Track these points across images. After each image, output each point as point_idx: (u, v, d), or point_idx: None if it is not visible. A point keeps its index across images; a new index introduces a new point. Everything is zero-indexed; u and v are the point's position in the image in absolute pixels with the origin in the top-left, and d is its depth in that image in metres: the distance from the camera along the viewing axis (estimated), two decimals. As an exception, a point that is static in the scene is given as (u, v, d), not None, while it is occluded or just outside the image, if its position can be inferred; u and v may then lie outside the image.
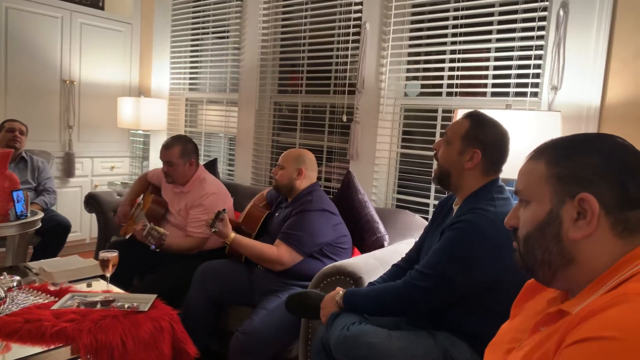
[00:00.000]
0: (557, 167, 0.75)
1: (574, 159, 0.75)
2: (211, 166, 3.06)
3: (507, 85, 2.28)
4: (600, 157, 0.73)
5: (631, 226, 0.71)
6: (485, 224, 1.35)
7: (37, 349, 1.41)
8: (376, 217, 2.29)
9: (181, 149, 2.49)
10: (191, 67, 3.92)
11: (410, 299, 1.41)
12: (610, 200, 0.71)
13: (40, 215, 2.63)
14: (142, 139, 4.22)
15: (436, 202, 2.53)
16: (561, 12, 2.03)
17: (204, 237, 2.40)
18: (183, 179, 2.53)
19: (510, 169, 1.68)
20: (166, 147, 2.50)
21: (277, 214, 2.29)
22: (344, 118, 2.86)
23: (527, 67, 2.20)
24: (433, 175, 1.57)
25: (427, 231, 1.67)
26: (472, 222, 1.37)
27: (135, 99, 3.77)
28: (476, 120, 1.48)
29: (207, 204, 2.44)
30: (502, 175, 1.51)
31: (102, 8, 4.10)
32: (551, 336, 0.71)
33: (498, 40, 2.30)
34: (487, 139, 1.45)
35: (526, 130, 1.81)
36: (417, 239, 1.73)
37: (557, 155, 0.77)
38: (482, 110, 1.55)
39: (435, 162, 1.57)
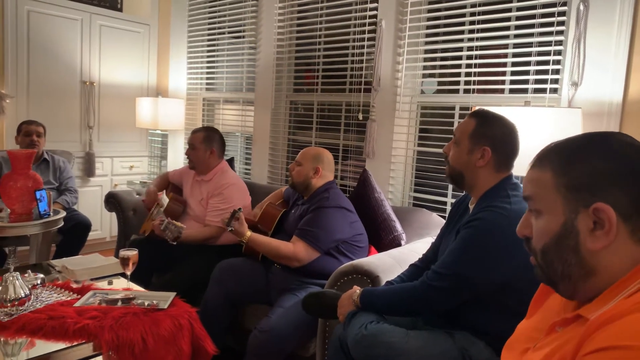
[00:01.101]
0: (565, 175, 0.72)
1: (581, 165, 0.71)
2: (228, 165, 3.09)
3: (526, 81, 2.24)
4: (608, 161, 0.70)
5: None
6: (501, 221, 1.34)
7: (60, 345, 1.44)
8: (393, 216, 2.28)
9: (205, 135, 2.61)
10: (208, 67, 3.96)
11: (427, 300, 1.41)
12: (626, 206, 0.68)
13: (63, 214, 2.69)
14: (160, 139, 4.27)
15: (454, 201, 2.51)
16: (581, 7, 1.99)
17: (222, 227, 2.43)
18: (202, 165, 2.60)
19: (526, 167, 1.66)
20: (193, 132, 2.68)
21: (293, 211, 2.30)
22: (360, 116, 2.85)
23: (547, 63, 2.16)
24: (446, 174, 1.57)
25: (443, 231, 1.66)
26: (487, 219, 1.36)
27: (153, 99, 3.82)
28: (482, 117, 1.47)
29: (226, 193, 2.50)
30: (518, 173, 1.50)
31: (120, 10, 4.16)
32: (568, 341, 0.69)
33: (516, 36, 2.27)
34: (495, 135, 1.44)
35: (545, 127, 1.78)
36: (435, 239, 1.73)
37: (564, 162, 0.73)
38: (496, 108, 1.54)
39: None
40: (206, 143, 2.59)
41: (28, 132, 3.06)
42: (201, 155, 2.59)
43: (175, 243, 2.22)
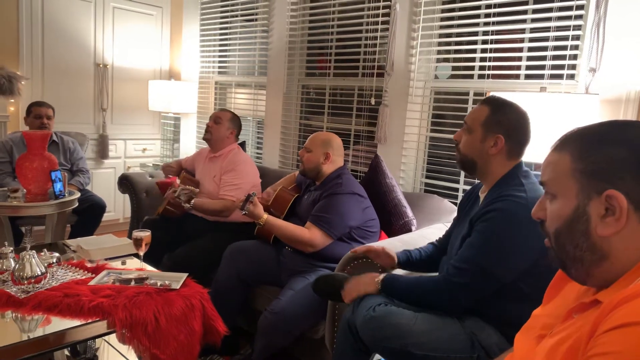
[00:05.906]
0: (583, 161, 0.74)
1: (600, 152, 0.72)
2: (240, 149, 3.11)
3: (542, 67, 2.20)
4: (627, 150, 0.71)
5: None
6: (518, 210, 1.33)
7: (75, 322, 1.47)
8: (404, 201, 2.28)
9: (232, 116, 2.76)
10: (220, 51, 3.94)
11: (451, 296, 1.39)
12: (638, 195, 0.69)
13: (77, 195, 2.73)
14: (172, 122, 4.29)
15: (465, 187, 2.50)
16: (602, -10, 1.94)
17: (234, 201, 2.45)
18: (219, 142, 2.70)
19: (541, 154, 1.65)
20: (221, 109, 2.85)
21: (305, 197, 2.31)
22: (373, 101, 2.83)
23: (564, 48, 2.12)
24: (456, 161, 1.56)
25: (455, 222, 1.67)
26: (505, 209, 1.35)
27: (165, 83, 3.83)
28: (495, 105, 1.47)
29: (239, 169, 2.57)
30: (532, 160, 1.49)
31: (133, -8, 4.15)
32: (583, 324, 0.70)
33: (533, 20, 2.22)
34: (509, 123, 1.44)
35: (561, 114, 1.76)
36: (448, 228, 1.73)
37: (583, 148, 0.75)
38: (511, 94, 1.52)
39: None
40: (231, 122, 2.72)
41: (38, 114, 3.03)
42: (223, 132, 2.68)
43: (189, 205, 2.33)
